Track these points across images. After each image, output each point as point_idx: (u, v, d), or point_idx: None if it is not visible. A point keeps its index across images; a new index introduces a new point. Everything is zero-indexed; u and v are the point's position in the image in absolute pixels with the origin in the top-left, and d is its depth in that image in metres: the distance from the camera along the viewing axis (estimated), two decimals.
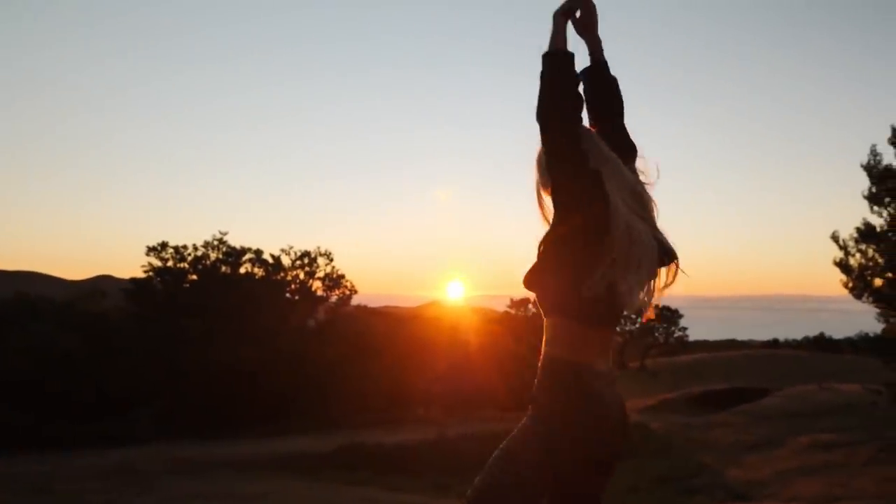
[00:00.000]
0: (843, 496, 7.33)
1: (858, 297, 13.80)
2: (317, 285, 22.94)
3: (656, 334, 47.97)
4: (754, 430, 12.94)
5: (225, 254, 21.32)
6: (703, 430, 13.97)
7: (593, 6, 2.04)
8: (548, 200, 1.93)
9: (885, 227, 13.39)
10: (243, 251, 21.63)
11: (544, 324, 1.88)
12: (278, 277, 22.16)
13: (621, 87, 2.11)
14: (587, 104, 2.04)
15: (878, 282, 13.62)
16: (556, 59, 1.85)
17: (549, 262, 1.84)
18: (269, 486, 8.90)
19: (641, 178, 1.97)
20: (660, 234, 1.88)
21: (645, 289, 1.84)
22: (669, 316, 46.42)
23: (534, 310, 39.11)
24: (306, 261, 22.69)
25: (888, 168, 13.22)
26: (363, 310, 24.74)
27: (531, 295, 1.91)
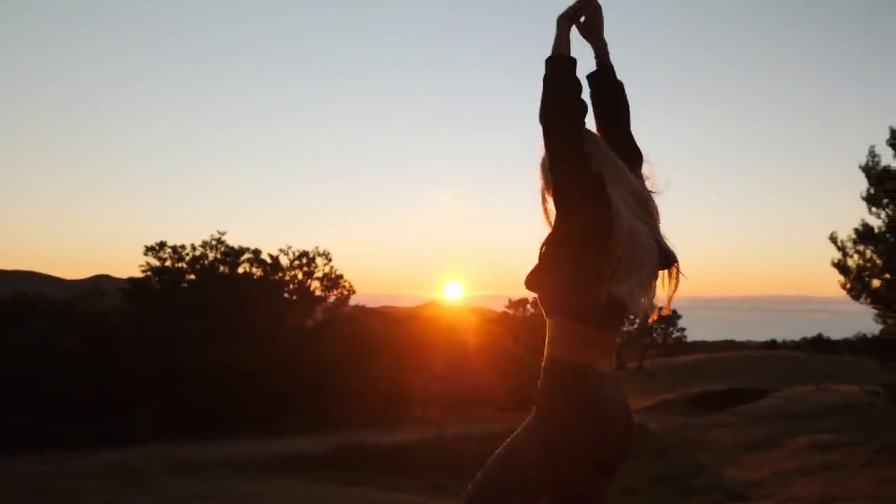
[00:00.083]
0: (841, 497, 7.35)
1: (856, 298, 13.82)
2: (315, 285, 22.92)
3: (654, 335, 47.99)
4: (752, 431, 12.95)
5: (223, 254, 21.29)
6: (701, 430, 13.98)
7: (599, 9, 2.04)
8: (551, 203, 1.94)
9: (884, 229, 13.41)
10: (241, 251, 21.61)
11: (546, 325, 1.89)
12: (276, 277, 22.14)
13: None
14: (593, 108, 2.05)
15: (876, 283, 13.64)
16: (558, 63, 1.87)
17: (550, 263, 1.86)
18: (268, 486, 8.90)
19: (648, 184, 1.97)
20: (660, 237, 1.89)
21: (648, 291, 1.85)
22: (668, 316, 46.44)
23: (532, 310, 39.18)
24: (304, 261, 22.67)
25: (886, 169, 13.24)
26: (361, 310, 24.72)
27: (530, 295, 1.92)
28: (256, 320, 19.41)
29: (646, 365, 41.89)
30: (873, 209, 13.50)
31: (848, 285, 13.81)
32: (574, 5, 1.98)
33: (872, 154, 13.38)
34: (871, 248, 13.60)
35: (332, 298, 23.26)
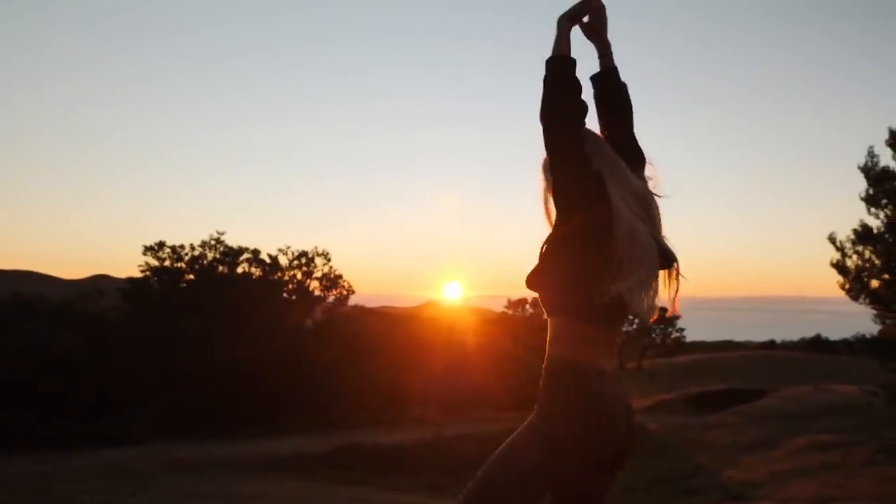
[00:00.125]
0: (839, 497, 7.35)
1: (855, 298, 13.83)
2: (314, 285, 22.93)
3: (653, 335, 48.03)
4: (751, 431, 12.95)
5: (222, 253, 21.30)
6: (700, 430, 13.98)
7: (603, 9, 2.04)
8: (553, 203, 1.94)
9: (882, 229, 13.43)
10: (240, 251, 21.61)
11: (547, 324, 1.90)
12: (275, 277, 22.15)
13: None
14: (596, 109, 2.06)
15: (874, 283, 13.65)
16: (558, 63, 1.87)
17: (550, 262, 1.86)
18: (266, 486, 8.90)
19: (650, 185, 1.97)
20: (659, 236, 1.89)
21: (648, 290, 1.84)
22: (666, 317, 46.37)
23: (531, 310, 39.21)
24: (303, 261, 22.69)
25: (885, 170, 13.26)
26: (360, 310, 24.75)
27: (529, 296, 1.93)
28: (255, 320, 19.41)
29: (645, 365, 41.91)
30: (872, 210, 13.52)
31: (847, 286, 13.82)
32: (575, 6, 1.98)
33: (871, 155, 13.40)
34: (870, 248, 13.61)
35: (330, 298, 23.27)
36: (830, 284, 14.15)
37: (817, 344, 51.65)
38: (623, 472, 1.91)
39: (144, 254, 20.77)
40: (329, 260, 23.00)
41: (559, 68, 1.86)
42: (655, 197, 1.95)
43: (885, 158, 13.47)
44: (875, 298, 13.59)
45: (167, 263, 20.87)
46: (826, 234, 14.11)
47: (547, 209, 2.00)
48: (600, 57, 2.09)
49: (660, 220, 1.92)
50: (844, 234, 13.95)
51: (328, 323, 22.09)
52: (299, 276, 22.66)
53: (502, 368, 20.50)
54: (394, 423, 16.62)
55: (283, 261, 22.38)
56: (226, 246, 21.39)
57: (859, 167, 13.47)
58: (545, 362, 1.86)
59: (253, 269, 21.80)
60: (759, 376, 30.94)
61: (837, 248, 13.93)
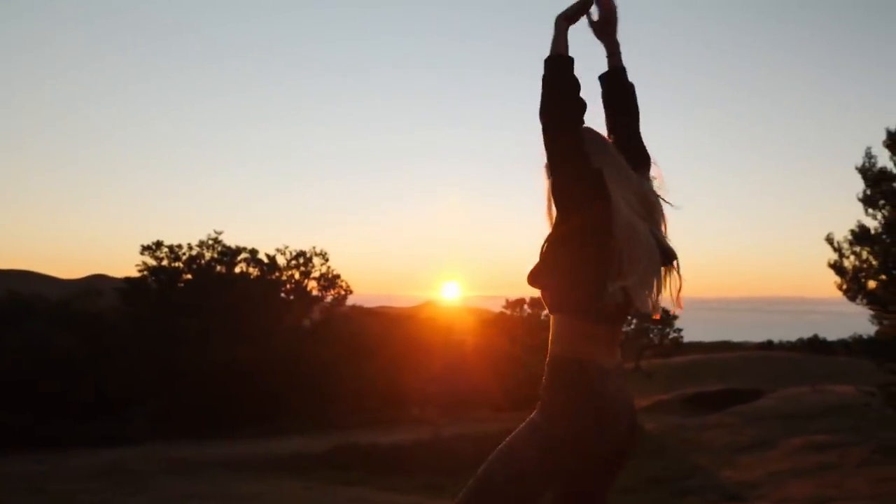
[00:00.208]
0: (836, 497, 7.37)
1: (852, 299, 13.82)
2: (312, 285, 22.94)
3: (651, 335, 48.03)
4: (748, 432, 12.97)
5: (220, 253, 21.30)
6: (698, 431, 13.99)
7: (614, 8, 2.03)
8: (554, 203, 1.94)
9: (880, 230, 13.43)
10: (238, 251, 21.61)
11: (550, 322, 1.90)
12: (273, 277, 22.15)
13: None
14: (604, 109, 2.07)
15: (871, 284, 13.64)
16: (556, 63, 1.88)
17: (551, 261, 1.86)
18: (265, 486, 8.90)
19: (655, 185, 1.97)
20: (661, 235, 1.89)
21: (649, 288, 1.84)
22: (664, 317, 46.48)
23: (529, 311, 39.19)
24: (301, 261, 22.69)
25: (883, 171, 13.26)
26: (358, 310, 24.77)
27: (527, 296, 1.95)
28: (253, 320, 19.41)
29: (643, 365, 41.92)
30: (869, 210, 13.50)
31: (844, 286, 13.81)
32: (572, 7, 1.97)
33: (869, 155, 13.39)
34: (868, 249, 13.60)
35: (329, 298, 23.28)
36: (828, 285, 14.14)
37: (815, 344, 51.67)
38: (621, 472, 1.92)
39: (142, 253, 20.78)
40: (327, 260, 23.03)
41: (557, 67, 1.86)
42: (660, 198, 1.95)
43: (883, 159, 13.45)
44: (872, 299, 13.58)
45: (165, 263, 20.86)
46: (823, 235, 14.08)
47: (549, 208, 2.00)
48: (609, 56, 2.09)
49: (663, 219, 1.92)
50: (842, 234, 13.92)
51: (326, 323, 22.10)
52: (297, 275, 22.67)
53: (500, 369, 20.53)
54: (392, 423, 16.63)
55: (281, 261, 22.40)
56: (223, 246, 21.38)
57: (857, 168, 13.45)
58: (547, 359, 1.87)
59: (251, 269, 21.80)
60: (756, 377, 30.98)
61: (835, 249, 13.91)
